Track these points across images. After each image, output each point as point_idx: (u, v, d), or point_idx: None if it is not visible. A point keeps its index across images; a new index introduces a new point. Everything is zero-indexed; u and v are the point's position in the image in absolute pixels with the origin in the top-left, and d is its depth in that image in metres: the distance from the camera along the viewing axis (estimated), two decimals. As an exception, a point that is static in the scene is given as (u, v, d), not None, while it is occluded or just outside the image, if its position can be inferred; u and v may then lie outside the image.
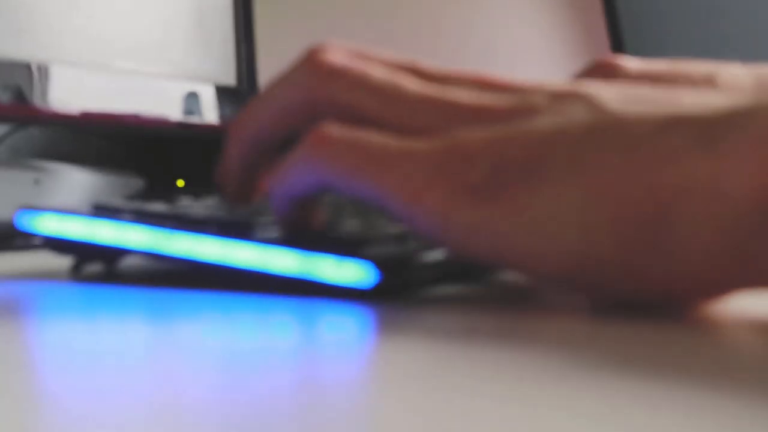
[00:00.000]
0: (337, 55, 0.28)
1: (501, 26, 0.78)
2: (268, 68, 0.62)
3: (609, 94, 0.25)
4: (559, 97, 0.25)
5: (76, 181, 0.53)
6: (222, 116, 0.61)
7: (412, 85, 0.27)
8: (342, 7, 0.68)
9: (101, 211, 0.31)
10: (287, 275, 0.27)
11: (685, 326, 0.22)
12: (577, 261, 0.22)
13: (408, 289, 0.28)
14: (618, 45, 0.86)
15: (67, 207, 0.32)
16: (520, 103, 0.25)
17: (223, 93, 0.61)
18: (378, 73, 0.28)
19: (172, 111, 0.58)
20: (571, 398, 0.15)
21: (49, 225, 0.31)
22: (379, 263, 0.26)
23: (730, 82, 0.35)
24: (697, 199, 0.21)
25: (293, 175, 0.27)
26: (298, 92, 0.29)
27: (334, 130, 0.26)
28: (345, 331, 0.22)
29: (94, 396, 0.15)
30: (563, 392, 0.15)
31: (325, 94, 0.28)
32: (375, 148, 0.25)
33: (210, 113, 0.60)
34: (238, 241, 0.28)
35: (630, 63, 0.37)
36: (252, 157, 0.31)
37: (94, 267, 0.33)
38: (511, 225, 0.23)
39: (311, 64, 0.28)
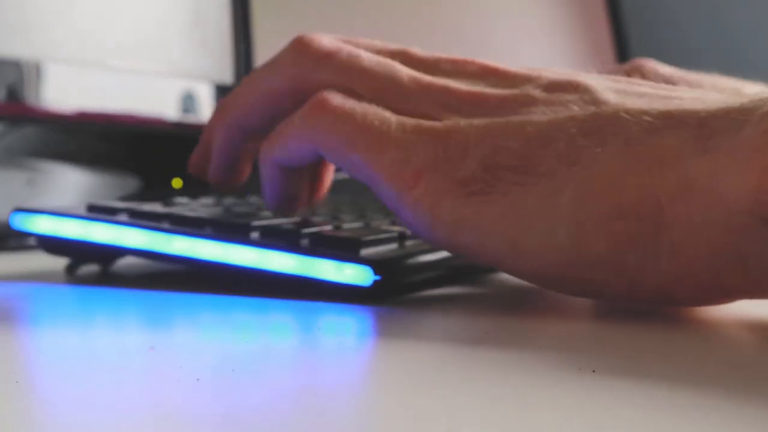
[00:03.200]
0: (325, 40, 0.28)
1: (499, 17, 0.78)
2: (265, 66, 0.62)
3: (606, 85, 0.24)
4: (556, 88, 0.24)
5: (71, 181, 0.53)
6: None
7: (404, 70, 0.27)
8: (340, 5, 0.68)
9: (96, 211, 0.31)
10: (284, 273, 0.27)
11: (685, 327, 0.22)
12: (567, 259, 0.22)
13: (406, 291, 0.28)
14: (619, 34, 0.86)
15: (62, 207, 0.32)
16: (516, 93, 0.25)
17: (220, 91, 0.61)
18: (369, 57, 0.27)
19: (169, 110, 0.57)
20: (569, 399, 0.14)
21: (44, 225, 0.31)
22: (377, 266, 0.25)
23: None
24: (694, 202, 0.20)
25: (287, 140, 0.27)
26: (285, 77, 0.28)
27: (334, 97, 0.26)
28: (343, 333, 0.22)
29: (90, 400, 0.15)
30: (562, 393, 0.15)
31: (314, 79, 0.27)
32: (374, 122, 0.25)
33: (207, 112, 0.60)
34: (235, 244, 0.27)
35: (662, 68, 0.36)
36: (237, 141, 0.30)
37: (89, 268, 0.33)
38: (501, 220, 0.22)
39: (298, 48, 0.28)
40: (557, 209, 0.22)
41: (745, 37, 0.90)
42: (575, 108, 0.23)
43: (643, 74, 0.35)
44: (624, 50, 0.86)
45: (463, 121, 0.24)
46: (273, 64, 0.29)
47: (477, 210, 0.23)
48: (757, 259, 0.20)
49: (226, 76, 0.61)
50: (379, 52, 0.28)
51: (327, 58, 0.27)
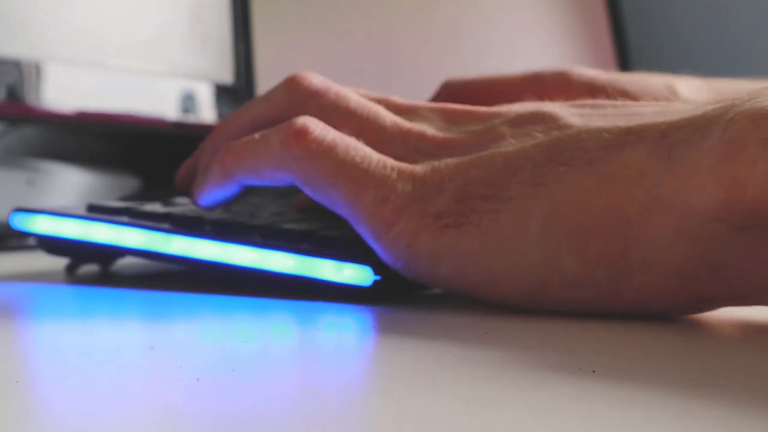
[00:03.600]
0: (316, 80, 0.29)
1: (498, 17, 0.78)
2: (266, 66, 0.62)
3: (571, 111, 0.25)
4: (523, 120, 0.25)
5: (71, 181, 0.53)
6: (219, 115, 0.60)
7: (388, 114, 0.27)
8: (339, 4, 0.68)
9: (96, 211, 0.31)
10: (284, 273, 0.27)
11: (685, 327, 0.22)
12: (540, 281, 0.22)
13: (406, 291, 0.28)
14: (619, 34, 0.86)
15: (62, 207, 0.32)
16: (484, 132, 0.26)
17: (220, 91, 0.61)
18: (355, 99, 0.28)
19: (169, 110, 0.57)
20: (569, 399, 0.14)
21: (44, 226, 0.31)
22: (377, 266, 0.25)
23: (688, 95, 0.36)
24: (664, 215, 0.20)
25: (260, 163, 0.27)
26: (274, 108, 0.29)
27: (315, 126, 0.26)
28: (344, 333, 0.22)
29: (90, 400, 0.15)
30: (561, 393, 0.15)
31: (302, 113, 0.28)
32: (355, 158, 0.25)
33: (207, 112, 0.60)
34: (235, 244, 0.27)
35: (589, 72, 0.37)
36: None
37: (89, 268, 0.33)
38: (475, 249, 0.23)
39: (290, 85, 0.29)
40: (527, 232, 0.22)
41: (745, 37, 0.90)
42: (540, 136, 0.24)
43: (571, 81, 0.36)
44: (624, 50, 0.86)
45: (437, 162, 0.25)
46: (266, 96, 0.30)
47: (453, 242, 0.23)
48: (730, 266, 0.20)
49: (226, 76, 0.61)
50: (362, 95, 0.29)
51: (315, 96, 0.28)
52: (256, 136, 0.27)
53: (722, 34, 0.91)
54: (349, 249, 0.26)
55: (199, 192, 0.29)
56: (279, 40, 0.63)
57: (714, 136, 0.20)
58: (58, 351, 0.20)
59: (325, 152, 0.25)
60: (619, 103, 0.25)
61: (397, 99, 0.29)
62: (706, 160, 0.20)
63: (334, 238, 0.27)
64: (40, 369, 0.18)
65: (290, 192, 0.34)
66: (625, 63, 0.84)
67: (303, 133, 0.26)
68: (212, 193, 0.29)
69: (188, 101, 0.58)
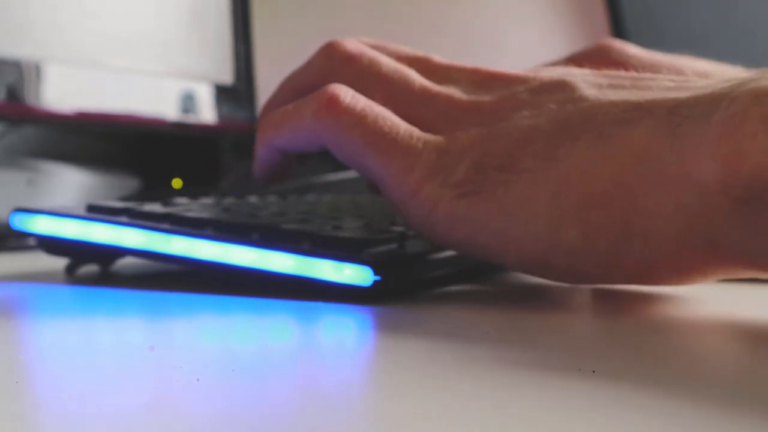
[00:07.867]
0: (350, 45, 0.30)
1: (503, 21, 0.78)
2: (266, 66, 0.62)
3: (589, 81, 0.25)
4: (544, 89, 0.26)
5: (71, 181, 0.53)
6: (219, 115, 0.60)
7: (417, 79, 0.28)
8: (340, 5, 0.68)
9: (96, 211, 0.31)
10: (284, 273, 0.27)
11: (686, 329, 0.22)
12: (545, 248, 0.23)
13: (406, 291, 0.28)
14: (619, 31, 0.86)
15: (62, 207, 0.32)
16: (507, 98, 0.26)
17: (220, 91, 0.61)
18: (387, 63, 0.29)
19: (169, 110, 0.57)
20: (569, 399, 0.14)
21: (44, 226, 0.31)
22: (377, 266, 0.25)
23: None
24: (667, 190, 0.21)
25: (295, 132, 0.28)
26: (312, 77, 0.30)
27: (346, 95, 0.27)
28: (344, 333, 0.22)
29: (90, 400, 0.15)
30: (561, 393, 0.15)
31: (336, 79, 0.29)
32: (384, 128, 0.26)
33: (207, 112, 0.60)
34: (235, 244, 0.27)
35: (630, 49, 0.37)
36: None
37: (89, 268, 0.33)
38: (489, 215, 0.24)
39: (325, 51, 0.30)
40: (536, 201, 0.23)
41: (746, 36, 0.90)
42: (554, 107, 0.25)
43: (611, 57, 0.36)
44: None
45: (459, 133, 0.26)
46: (303, 66, 0.31)
47: (468, 209, 0.25)
48: (729, 239, 0.21)
49: (226, 76, 0.61)
50: (401, 58, 0.30)
51: (349, 61, 0.29)
52: (290, 106, 0.28)
53: (723, 34, 0.91)
54: (349, 249, 0.26)
55: (254, 165, 0.30)
56: (279, 40, 0.63)
57: (718, 113, 0.20)
58: (58, 351, 0.20)
59: (355, 122, 0.26)
60: (637, 75, 0.26)
61: (436, 59, 0.30)
62: (708, 135, 0.20)
63: (334, 238, 0.27)
64: (40, 369, 0.18)
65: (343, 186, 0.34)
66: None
67: (333, 103, 0.27)
68: (260, 164, 0.30)
69: (188, 101, 0.58)
